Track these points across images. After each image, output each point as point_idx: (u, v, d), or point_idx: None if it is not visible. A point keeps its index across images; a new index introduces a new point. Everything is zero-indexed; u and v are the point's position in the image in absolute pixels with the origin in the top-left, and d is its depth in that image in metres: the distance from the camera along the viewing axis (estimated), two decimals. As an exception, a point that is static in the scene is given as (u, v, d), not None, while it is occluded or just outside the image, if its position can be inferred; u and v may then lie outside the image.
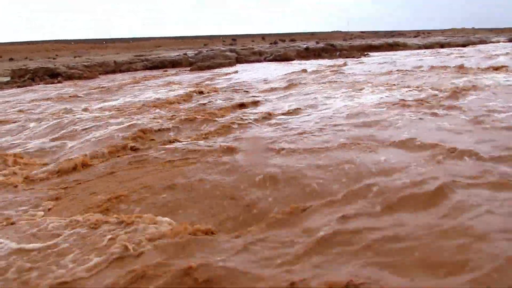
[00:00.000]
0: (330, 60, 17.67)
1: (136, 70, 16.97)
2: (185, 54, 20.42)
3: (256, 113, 6.28)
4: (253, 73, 13.25)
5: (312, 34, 52.04)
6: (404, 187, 2.98)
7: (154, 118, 6.14)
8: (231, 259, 2.21)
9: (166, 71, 16.05)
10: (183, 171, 3.66)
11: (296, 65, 15.40)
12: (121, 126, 5.68)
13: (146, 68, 17.35)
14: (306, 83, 9.64)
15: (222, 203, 3.02)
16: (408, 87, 7.93)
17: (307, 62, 17.05)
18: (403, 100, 6.53)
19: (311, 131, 4.92)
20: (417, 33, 45.39)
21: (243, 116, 6.11)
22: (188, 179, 3.45)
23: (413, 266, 2.03)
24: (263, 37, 47.53)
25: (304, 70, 12.58)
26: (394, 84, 8.44)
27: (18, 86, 13.04)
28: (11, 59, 25.32)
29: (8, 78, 14.86)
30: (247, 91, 8.70)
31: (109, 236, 2.49)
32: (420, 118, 5.24)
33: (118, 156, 4.37)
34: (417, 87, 7.78)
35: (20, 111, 7.86)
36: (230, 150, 4.24)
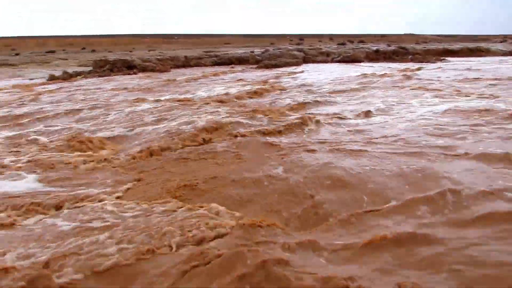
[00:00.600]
0: (402, 63, 16.86)
1: (204, 65, 17.54)
2: (252, 52, 20.71)
3: (324, 113, 6.18)
4: (320, 73, 13.07)
5: (382, 36, 50.13)
6: (478, 197, 2.76)
7: (223, 112, 6.29)
8: (296, 256, 2.19)
9: (233, 67, 16.40)
10: (252, 166, 3.71)
11: (365, 67, 14.93)
12: (192, 118, 5.89)
13: (215, 63, 17.86)
14: (376, 86, 9.30)
15: (289, 200, 3.00)
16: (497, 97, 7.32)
17: (377, 64, 16.44)
18: (490, 110, 6.03)
19: (382, 135, 4.73)
20: (504, 38, 41.55)
21: (311, 115, 6.04)
22: (256, 173, 3.48)
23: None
24: (330, 37, 46.77)
25: (374, 73, 12.14)
26: (486, 94, 7.84)
27: (99, 76, 14.09)
28: (93, 51, 27.49)
29: (90, 68, 16.16)
30: (314, 91, 8.60)
31: (178, 222, 2.59)
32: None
33: (189, 146, 4.53)
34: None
35: (99, 99, 8.47)
36: (298, 149, 4.21)
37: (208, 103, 7.33)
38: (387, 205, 2.83)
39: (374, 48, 20.78)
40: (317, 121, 5.61)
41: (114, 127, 5.80)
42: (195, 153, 4.23)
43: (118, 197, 3.14)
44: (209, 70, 15.28)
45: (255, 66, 16.39)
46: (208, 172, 3.60)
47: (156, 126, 5.55)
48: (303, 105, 6.92)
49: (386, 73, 12.22)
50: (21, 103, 8.09)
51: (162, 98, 8.17)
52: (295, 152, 4.14)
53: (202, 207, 2.85)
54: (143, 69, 15.16)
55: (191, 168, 3.76)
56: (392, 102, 7.00)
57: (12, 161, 4.17)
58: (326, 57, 19.27)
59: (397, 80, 10.62)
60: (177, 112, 6.43)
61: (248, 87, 9.40)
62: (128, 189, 3.37)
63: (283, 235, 2.44)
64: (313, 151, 4.17)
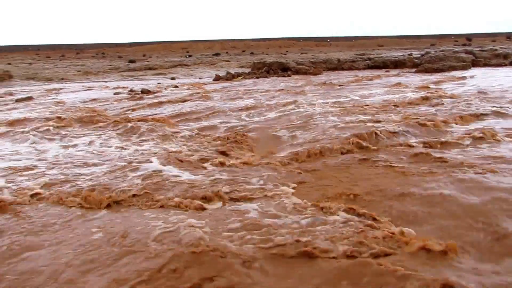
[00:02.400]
0: None
1: (357, 68, 17.13)
2: (410, 54, 19.29)
3: (503, 128, 5.32)
4: (496, 79, 11.31)
5: None
6: None
7: (381, 119, 6.01)
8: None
9: (388, 71, 15.58)
10: (419, 181, 3.43)
11: (557, 73, 12.31)
12: (347, 123, 5.80)
13: (368, 67, 17.27)
14: None
15: (468, 225, 2.66)
16: None
17: None
18: None
19: None
20: None
21: (485, 128, 5.27)
22: (425, 190, 3.20)
23: None
24: (508, 36, 40.11)
25: None
26: None
27: (257, 77, 15.17)
28: (251, 53, 29.78)
29: (249, 70, 17.53)
30: (490, 100, 7.49)
31: (347, 230, 2.56)
32: None
33: (347, 153, 4.47)
34: None
35: (258, 98, 9.08)
36: (475, 167, 3.71)
37: (363, 108, 7.12)
38: None
39: None
40: (497, 136, 4.85)
41: (273, 126, 6.14)
42: (355, 160, 4.14)
43: (290, 194, 3.31)
44: (363, 73, 14.86)
45: (413, 70, 15.22)
46: (371, 182, 3.47)
47: (314, 129, 5.64)
48: (477, 116, 6.09)
49: None
50: (196, 99, 9.30)
51: (316, 102, 8.29)
52: (470, 170, 3.66)
53: (366, 217, 2.76)
54: (297, 72, 15.67)
55: (352, 176, 3.70)
56: None
57: (187, 155, 4.80)
58: (503, 60, 16.59)
59: None
60: (333, 115, 6.43)
61: (406, 93, 8.78)
62: (288, 189, 3.50)
63: (466, 264, 2.18)
64: (493, 171, 3.62)
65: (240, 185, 3.55)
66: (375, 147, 4.61)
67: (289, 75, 15.01)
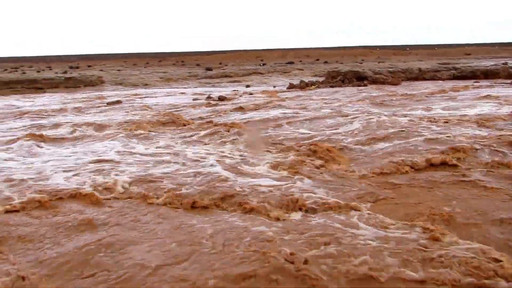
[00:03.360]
0: None
1: (441, 78, 16.02)
2: (505, 63, 17.57)
3: None
4: None
5: None
6: None
7: (471, 134, 5.50)
8: None
9: (477, 81, 14.33)
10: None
11: None
12: (434, 137, 5.39)
13: (453, 77, 16.07)
14: None
15: None
16: None
17: None
18: None
19: None
20: None
21: None
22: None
23: None
24: None
25: None
26: None
27: (331, 86, 14.89)
28: (325, 62, 29.39)
29: (323, 78, 17.28)
30: None
31: (441, 253, 2.32)
32: None
33: (437, 169, 4.13)
34: None
35: (334, 108, 8.86)
36: None
37: (448, 122, 6.58)
38: None
39: None
40: None
41: (350, 137, 5.93)
42: (446, 177, 3.81)
43: (370, 209, 3.13)
44: (447, 84, 13.84)
45: (508, 81, 13.81)
46: (467, 203, 3.15)
47: (396, 142, 5.33)
48: None
49: None
50: (271, 106, 9.37)
51: (398, 112, 7.86)
52: None
53: (462, 241, 2.49)
54: (374, 81, 15.09)
55: (444, 195, 3.39)
56: None
57: (271, 163, 4.80)
58: None
59: None
60: (418, 128, 6.02)
61: (501, 108, 7.96)
62: (373, 205, 3.31)
63: None
64: None
65: (322, 196, 3.44)
66: (465, 165, 4.20)
67: (365, 85, 14.50)
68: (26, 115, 8.97)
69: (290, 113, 8.29)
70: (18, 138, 6.04)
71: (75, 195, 3.56)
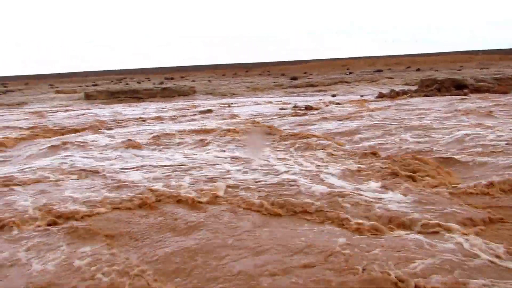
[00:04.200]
0: None
1: (560, 86, 13.97)
2: None
3: None
4: None
5: None
6: None
7: None
8: None
9: None
10: None
11: None
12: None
13: None
14: None
15: None
16: None
17: None
18: None
19: None
20: None
21: None
22: None
23: None
24: None
25: None
26: None
27: (425, 95, 13.89)
28: (418, 69, 27.65)
29: (416, 87, 16.22)
30: None
31: None
32: None
33: None
34: None
35: (430, 119, 8.20)
36: None
37: None
38: None
39: None
40: None
41: (451, 149, 5.43)
42: None
43: (476, 233, 2.82)
44: None
45: None
46: None
47: (504, 158, 4.75)
48: None
49: None
50: (360, 116, 9.05)
51: (508, 123, 7.02)
52: None
53: None
54: (476, 90, 13.74)
55: None
56: None
57: (357, 168, 4.60)
58: None
59: None
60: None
61: None
62: (484, 227, 2.97)
63: None
64: None
65: (422, 214, 3.18)
66: None
67: (465, 94, 13.25)
68: (130, 121, 9.90)
69: (381, 123, 7.91)
70: (123, 142, 6.66)
71: (177, 198, 3.79)
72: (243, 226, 3.13)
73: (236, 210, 3.48)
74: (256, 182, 4.23)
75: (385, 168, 4.62)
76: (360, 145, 6.21)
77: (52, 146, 6.62)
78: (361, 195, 3.72)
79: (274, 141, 6.62)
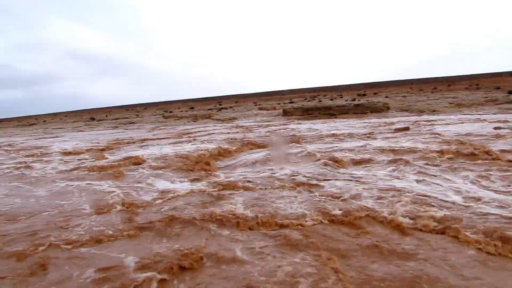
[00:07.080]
0: None
1: None
2: None
3: None
4: None
5: None
6: None
7: None
8: None
9: None
10: None
11: None
12: None
13: None
14: None
15: None
16: None
17: None
18: None
19: None
20: None
21: None
22: None
23: None
24: None
25: None
26: None
27: None
28: None
29: None
30: None
31: None
32: None
33: None
34: None
35: None
36: None
37: None
38: None
39: None
40: None
41: None
42: None
43: None
44: None
45: None
46: None
47: None
48: None
49: None
50: None
51: None
52: None
53: None
54: None
55: None
56: None
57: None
58: None
59: None
60: None
61: None
62: None
63: None
64: None
65: None
66: None
67: None
68: (324, 137, 10.22)
69: None
70: (322, 158, 6.88)
71: (380, 219, 3.62)
72: (459, 262, 2.71)
73: (451, 242, 3.05)
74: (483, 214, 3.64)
75: None
76: None
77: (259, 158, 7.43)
78: None
79: (484, 164, 5.62)
